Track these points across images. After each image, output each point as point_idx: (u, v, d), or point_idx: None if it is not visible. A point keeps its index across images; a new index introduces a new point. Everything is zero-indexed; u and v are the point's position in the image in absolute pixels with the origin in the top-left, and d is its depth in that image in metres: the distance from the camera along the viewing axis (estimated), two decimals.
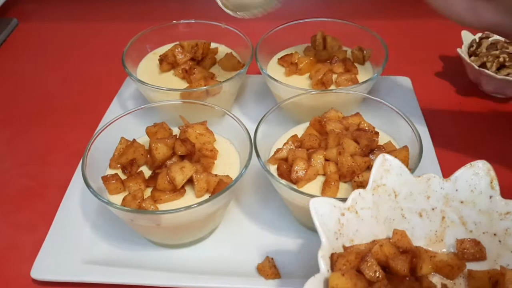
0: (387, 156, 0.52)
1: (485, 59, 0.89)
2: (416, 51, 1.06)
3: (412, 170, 0.58)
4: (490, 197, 0.52)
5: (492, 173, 0.52)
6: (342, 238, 0.48)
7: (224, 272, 0.62)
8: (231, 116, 0.68)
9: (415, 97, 0.89)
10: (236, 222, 0.69)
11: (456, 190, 0.53)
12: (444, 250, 0.54)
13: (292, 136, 0.67)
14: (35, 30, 1.20)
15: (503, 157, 0.79)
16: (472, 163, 0.52)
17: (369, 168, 0.62)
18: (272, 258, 0.62)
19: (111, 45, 1.10)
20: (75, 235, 0.67)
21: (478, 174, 0.52)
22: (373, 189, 0.51)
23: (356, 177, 0.60)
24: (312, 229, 0.65)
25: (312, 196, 0.56)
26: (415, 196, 0.53)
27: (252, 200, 0.72)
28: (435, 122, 0.84)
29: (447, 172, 0.73)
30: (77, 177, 0.74)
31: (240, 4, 0.72)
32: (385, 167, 0.52)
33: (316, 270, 0.44)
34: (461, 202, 0.53)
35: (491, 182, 0.52)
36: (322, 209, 0.47)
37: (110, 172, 0.64)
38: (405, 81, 0.93)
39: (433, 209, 0.54)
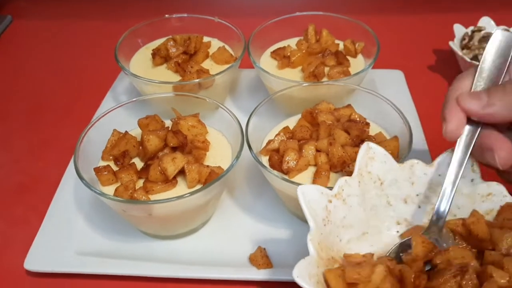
0: (371, 144, 0.53)
1: (476, 51, 0.90)
2: (409, 44, 1.06)
3: (401, 160, 0.59)
4: (472, 180, 0.53)
5: (471, 157, 0.52)
6: (330, 225, 0.49)
7: (217, 262, 0.62)
8: (223, 108, 0.68)
9: (408, 90, 0.90)
10: (229, 213, 0.69)
11: (439, 175, 0.53)
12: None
13: (284, 128, 0.68)
14: (29, 27, 1.20)
15: None
16: (454, 148, 0.52)
17: None
18: (264, 248, 0.62)
19: (104, 41, 1.09)
20: (68, 227, 0.67)
21: None
22: (359, 176, 0.52)
23: (347, 167, 0.60)
24: (303, 219, 0.65)
25: (301, 184, 0.57)
26: (400, 183, 0.54)
27: (244, 192, 0.72)
28: (428, 114, 0.84)
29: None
30: (70, 170, 0.75)
31: None
32: (370, 155, 0.53)
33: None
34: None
35: (472, 166, 0.53)
36: (310, 195, 0.47)
37: (103, 163, 0.65)
38: (398, 74, 0.94)
39: (417, 195, 0.54)
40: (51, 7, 1.28)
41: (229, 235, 0.66)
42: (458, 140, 0.51)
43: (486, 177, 0.53)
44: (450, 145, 0.78)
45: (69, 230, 0.67)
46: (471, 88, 0.51)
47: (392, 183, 0.54)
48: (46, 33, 1.18)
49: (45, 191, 0.74)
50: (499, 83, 0.51)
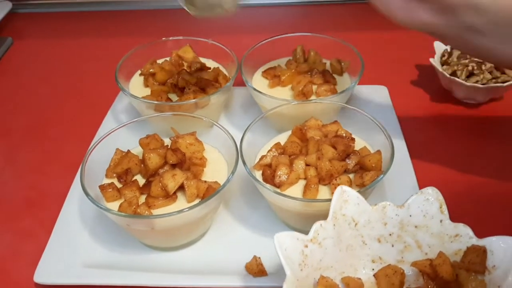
0: (345, 187, 0.57)
1: (455, 67, 0.96)
2: (392, 61, 1.12)
3: (384, 173, 0.64)
4: (441, 221, 0.56)
5: (441, 198, 0.56)
6: (306, 269, 0.52)
7: (215, 271, 0.66)
8: (218, 127, 0.73)
9: (392, 105, 0.95)
10: (226, 225, 0.73)
11: (410, 215, 0.57)
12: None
13: (276, 144, 0.73)
14: (29, 47, 1.25)
15: (472, 156, 0.85)
16: (423, 190, 0.57)
17: (346, 171, 0.68)
18: (259, 257, 0.66)
19: (104, 60, 1.14)
20: (75, 241, 0.71)
21: (428, 200, 0.57)
22: (333, 219, 0.55)
23: (334, 180, 0.65)
24: (295, 229, 0.70)
25: (294, 198, 0.62)
26: (373, 224, 0.57)
27: (240, 205, 0.76)
28: (410, 128, 0.90)
29: (421, 174, 0.79)
30: (75, 187, 0.79)
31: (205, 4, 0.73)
32: (344, 198, 0.56)
33: None
34: (415, 226, 0.57)
35: (441, 207, 0.56)
36: (286, 243, 0.51)
37: (107, 181, 0.69)
38: (382, 90, 0.99)
39: (390, 234, 0.58)
40: (50, 27, 1.33)
41: (226, 245, 0.71)
42: None
43: (454, 218, 0.57)
44: (432, 155, 0.84)
45: (75, 244, 0.70)
46: None
47: (366, 223, 0.57)
48: (46, 52, 1.22)
49: (51, 205, 0.78)
50: None
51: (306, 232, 0.55)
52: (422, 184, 0.77)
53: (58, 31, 1.31)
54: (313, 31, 0.95)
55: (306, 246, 0.53)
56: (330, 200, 0.62)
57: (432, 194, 0.57)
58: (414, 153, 0.83)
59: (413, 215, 0.57)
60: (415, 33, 1.17)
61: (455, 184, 0.79)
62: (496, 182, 0.80)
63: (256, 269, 0.65)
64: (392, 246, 0.59)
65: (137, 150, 0.73)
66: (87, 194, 0.63)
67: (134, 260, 0.69)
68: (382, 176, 0.63)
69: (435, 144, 0.89)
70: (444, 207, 0.57)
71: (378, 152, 0.68)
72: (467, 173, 0.82)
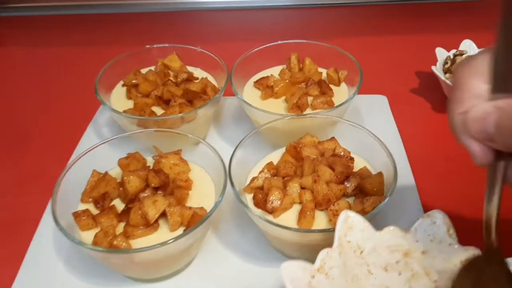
0: (349, 212, 0.52)
1: None
2: (392, 68, 1.06)
3: (387, 198, 0.58)
4: (449, 244, 0.52)
5: (448, 221, 0.52)
6: None
7: None
8: (205, 145, 0.67)
9: (392, 116, 0.89)
10: (213, 251, 0.67)
11: (417, 241, 0.53)
12: None
13: (268, 164, 0.67)
14: (9, 55, 1.18)
15: (480, 172, 0.79)
16: (429, 213, 0.52)
17: (345, 195, 0.62)
18: None
19: (86, 70, 1.07)
20: (48, 272, 0.65)
21: (435, 223, 0.52)
22: (339, 246, 0.51)
23: (331, 205, 0.60)
24: (289, 257, 0.64)
25: (287, 228, 0.56)
26: (379, 251, 0.53)
27: (229, 228, 0.70)
28: (411, 140, 0.84)
29: (424, 193, 0.73)
30: (49, 212, 0.72)
31: None
32: (348, 224, 0.52)
33: None
34: (422, 252, 0.52)
35: (448, 231, 0.52)
36: (293, 274, 0.47)
37: (82, 206, 0.63)
38: (382, 100, 0.94)
39: (396, 262, 0.53)
40: (33, 35, 1.26)
41: (213, 275, 0.64)
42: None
43: (462, 241, 0.52)
44: (435, 170, 0.78)
45: (48, 276, 0.64)
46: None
47: (371, 250, 0.53)
48: (26, 62, 1.16)
49: (26, 231, 0.71)
50: None
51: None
52: (426, 205, 0.72)
53: (40, 39, 1.24)
54: (307, 35, 0.90)
55: (313, 277, 0.48)
56: (327, 230, 0.57)
57: (439, 217, 0.53)
58: (416, 170, 0.78)
59: (420, 240, 0.53)
60: (415, 39, 1.12)
61: (461, 204, 0.73)
62: (507, 200, 0.74)
63: None
64: (399, 274, 0.53)
65: (117, 170, 0.66)
66: (58, 223, 0.56)
67: None
68: (384, 202, 0.57)
69: (438, 159, 0.83)
70: (452, 230, 0.52)
71: (380, 174, 0.62)
72: (475, 192, 0.76)
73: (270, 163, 0.67)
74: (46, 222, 0.71)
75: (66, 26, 1.27)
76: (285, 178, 0.64)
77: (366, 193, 0.61)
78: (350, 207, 0.60)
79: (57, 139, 0.90)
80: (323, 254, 0.50)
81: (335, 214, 0.59)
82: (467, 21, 1.22)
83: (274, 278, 0.64)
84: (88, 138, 0.86)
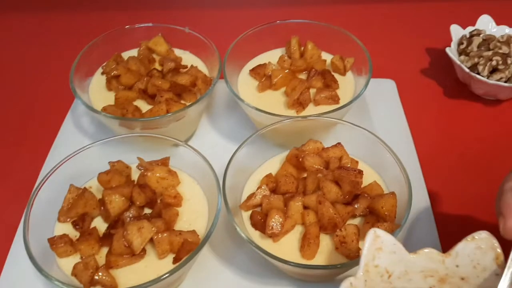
0: (379, 231, 0.45)
1: (476, 60, 0.82)
2: (401, 46, 0.97)
3: (401, 225, 0.52)
4: (496, 275, 0.45)
5: (497, 245, 0.45)
6: None
7: None
8: (198, 156, 0.59)
9: (401, 105, 0.82)
10: (207, 266, 0.62)
11: (457, 266, 0.46)
12: None
13: (266, 176, 0.60)
14: None
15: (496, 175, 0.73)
16: (475, 235, 0.46)
17: (353, 217, 0.56)
18: None
19: (64, 53, 0.95)
20: None
21: (481, 248, 0.46)
22: (365, 273, 0.45)
23: (338, 231, 0.53)
24: (291, 276, 0.59)
25: (288, 263, 0.50)
26: (410, 275, 0.47)
27: (224, 241, 0.64)
28: (422, 133, 0.77)
29: (435, 199, 0.68)
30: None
31: None
32: (377, 246, 0.45)
33: None
34: (462, 278, 0.46)
35: (497, 258, 0.45)
36: None
37: (59, 227, 0.56)
38: (390, 84, 0.86)
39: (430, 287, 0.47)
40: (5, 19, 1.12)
41: None
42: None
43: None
44: (449, 179, 0.71)
45: None
46: None
47: (401, 275, 0.46)
48: None
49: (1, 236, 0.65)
50: None
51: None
52: (437, 211, 0.66)
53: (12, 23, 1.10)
54: (306, 18, 0.79)
55: None
56: (334, 267, 0.51)
57: (486, 242, 0.46)
58: (424, 162, 0.71)
59: (461, 265, 0.46)
60: (427, 14, 1.00)
61: (476, 211, 0.67)
62: None
63: None
64: None
65: (97, 182, 0.59)
66: (31, 257, 0.50)
67: None
68: (398, 231, 0.51)
69: (451, 156, 0.76)
70: (502, 258, 0.45)
71: (393, 195, 0.55)
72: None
73: (269, 176, 0.60)
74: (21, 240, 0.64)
75: (44, 11, 1.12)
76: (286, 195, 0.57)
77: (377, 216, 0.55)
78: (358, 233, 0.54)
79: (31, 132, 0.81)
80: (346, 284, 0.44)
81: (342, 242, 0.53)
82: None
83: None
84: (67, 130, 0.78)
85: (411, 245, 0.61)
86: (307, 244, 0.53)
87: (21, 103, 0.86)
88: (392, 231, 0.52)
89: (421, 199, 0.67)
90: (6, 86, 0.90)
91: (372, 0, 1.08)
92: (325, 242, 0.55)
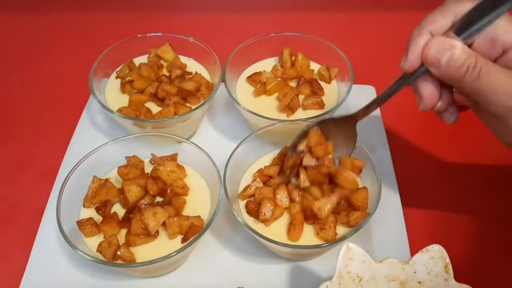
0: (351, 245, 0.55)
1: None
2: (380, 55, 1.06)
3: (371, 214, 0.63)
4: (445, 280, 0.55)
5: (446, 256, 0.55)
6: None
7: None
8: (203, 153, 0.70)
9: (379, 110, 0.92)
10: (208, 249, 0.72)
11: (414, 272, 0.56)
12: None
13: (259, 171, 0.70)
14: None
15: (463, 170, 0.84)
16: (428, 247, 0.56)
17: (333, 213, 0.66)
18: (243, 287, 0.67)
19: (79, 56, 1.04)
20: (54, 266, 0.69)
21: (433, 258, 0.56)
22: (339, 278, 0.55)
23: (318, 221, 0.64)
24: (281, 256, 0.70)
25: (275, 242, 0.61)
26: (377, 280, 0.56)
27: (223, 225, 0.75)
28: (395, 131, 0.88)
29: (405, 192, 0.79)
30: (51, 204, 0.75)
31: None
32: (349, 256, 0.55)
33: None
34: (419, 282, 0.56)
35: (446, 267, 0.55)
36: None
37: (84, 211, 0.67)
38: (370, 90, 0.96)
39: None
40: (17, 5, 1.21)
41: (208, 272, 0.70)
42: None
43: (459, 279, 0.56)
44: (418, 170, 0.82)
45: (55, 269, 0.69)
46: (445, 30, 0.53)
47: (370, 279, 0.56)
48: (10, 34, 1.12)
49: (25, 222, 0.75)
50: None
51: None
52: (408, 213, 0.77)
53: (19, 6, 1.19)
54: (297, 30, 0.89)
55: None
56: (314, 247, 0.62)
57: (438, 252, 0.56)
58: (398, 167, 0.82)
59: (418, 271, 0.56)
60: (404, 23, 1.10)
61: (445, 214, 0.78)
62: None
63: None
64: None
65: (115, 173, 0.69)
66: (64, 235, 0.60)
67: (114, 286, 0.68)
68: (368, 219, 0.62)
69: (424, 160, 0.86)
70: (450, 266, 0.56)
71: (365, 189, 0.66)
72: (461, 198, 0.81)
73: (261, 170, 0.70)
74: (49, 218, 0.74)
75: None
76: (274, 185, 0.68)
77: (352, 206, 0.66)
78: (336, 221, 0.65)
79: (49, 124, 0.91)
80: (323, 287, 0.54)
81: (322, 228, 0.64)
82: None
83: (264, 273, 0.70)
84: (83, 127, 0.88)
85: (381, 231, 0.73)
86: (293, 229, 0.64)
87: (39, 99, 0.96)
88: (363, 218, 0.63)
89: (391, 193, 0.78)
90: (28, 82, 1.00)
91: (356, 10, 1.18)
92: (308, 228, 0.66)
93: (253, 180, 0.69)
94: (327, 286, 0.54)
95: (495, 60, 0.55)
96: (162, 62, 0.87)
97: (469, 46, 0.54)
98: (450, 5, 0.54)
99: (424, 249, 0.56)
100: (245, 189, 0.69)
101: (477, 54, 0.50)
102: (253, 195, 0.68)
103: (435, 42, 0.50)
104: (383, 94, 0.60)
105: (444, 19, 0.54)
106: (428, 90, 0.55)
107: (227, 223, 0.75)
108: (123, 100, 0.81)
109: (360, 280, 0.56)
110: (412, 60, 0.53)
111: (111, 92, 0.83)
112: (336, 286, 0.55)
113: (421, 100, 0.56)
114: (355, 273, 0.56)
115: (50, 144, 0.87)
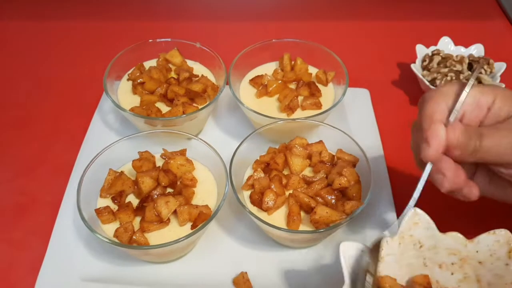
0: (418, 210, 0.58)
1: (435, 75, 0.99)
2: (375, 61, 1.14)
3: (364, 203, 0.69)
4: (506, 264, 0.56)
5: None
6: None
7: (203, 286, 0.72)
8: (210, 149, 0.76)
9: (372, 111, 0.98)
10: (214, 237, 0.78)
11: (477, 251, 0.57)
12: None
13: (255, 162, 0.77)
14: (4, 30, 1.21)
15: None
16: (496, 230, 0.57)
17: (326, 205, 0.71)
18: (246, 272, 0.72)
19: (91, 52, 1.12)
20: (72, 253, 0.74)
21: (499, 241, 0.57)
22: (400, 238, 0.57)
23: (313, 213, 0.68)
24: (281, 244, 0.76)
25: (278, 228, 0.67)
26: (438, 250, 0.58)
27: (228, 216, 0.80)
28: (388, 132, 0.93)
29: (396, 185, 0.85)
30: (68, 197, 0.81)
31: None
32: (415, 220, 0.57)
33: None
34: (479, 262, 0.57)
35: (510, 252, 0.56)
36: (349, 252, 0.54)
37: (101, 201, 0.72)
38: (364, 93, 1.02)
39: (452, 263, 0.59)
40: (24, 8, 1.28)
41: (213, 258, 0.75)
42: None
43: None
44: (408, 170, 0.88)
45: (72, 257, 0.74)
46: (448, 114, 0.58)
47: (431, 247, 0.58)
48: (28, 39, 1.19)
49: (44, 213, 0.80)
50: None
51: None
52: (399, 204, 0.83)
53: (33, 12, 1.26)
54: (295, 20, 0.95)
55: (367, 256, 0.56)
56: (312, 232, 0.68)
57: (504, 237, 0.57)
58: (392, 167, 0.88)
59: (480, 251, 0.57)
60: (397, 33, 1.18)
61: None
62: None
63: (243, 285, 0.71)
64: (452, 274, 0.59)
65: (129, 166, 0.75)
66: (84, 219, 0.66)
67: (129, 273, 0.73)
68: (361, 207, 0.68)
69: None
70: None
71: (358, 183, 0.72)
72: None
73: (257, 161, 0.77)
74: (66, 208, 0.80)
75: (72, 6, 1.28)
76: (273, 175, 0.73)
77: (347, 196, 0.71)
78: (329, 213, 0.70)
79: (63, 122, 0.97)
80: (383, 242, 0.56)
81: (316, 222, 0.68)
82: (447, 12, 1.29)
83: (267, 261, 0.75)
84: (95, 126, 0.93)
85: (374, 219, 0.79)
86: (291, 220, 0.69)
87: (55, 101, 1.02)
88: (357, 207, 0.69)
89: (383, 185, 0.84)
90: (45, 85, 1.06)
91: (353, 20, 1.26)
92: (306, 219, 0.71)
93: (255, 171, 0.75)
94: (387, 241, 0.56)
95: (484, 120, 0.59)
96: (170, 65, 0.93)
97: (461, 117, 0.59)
98: (447, 92, 0.60)
99: (491, 231, 0.57)
100: (249, 178, 0.74)
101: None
102: (253, 185, 0.74)
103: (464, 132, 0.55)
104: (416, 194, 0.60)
105: (446, 106, 0.59)
106: (451, 170, 0.56)
107: (232, 214, 0.81)
108: (134, 101, 0.87)
109: (421, 246, 0.58)
110: (436, 149, 0.55)
111: (123, 93, 0.90)
112: (396, 245, 0.56)
113: (445, 179, 0.56)
114: (418, 238, 0.57)
115: (65, 142, 0.93)
